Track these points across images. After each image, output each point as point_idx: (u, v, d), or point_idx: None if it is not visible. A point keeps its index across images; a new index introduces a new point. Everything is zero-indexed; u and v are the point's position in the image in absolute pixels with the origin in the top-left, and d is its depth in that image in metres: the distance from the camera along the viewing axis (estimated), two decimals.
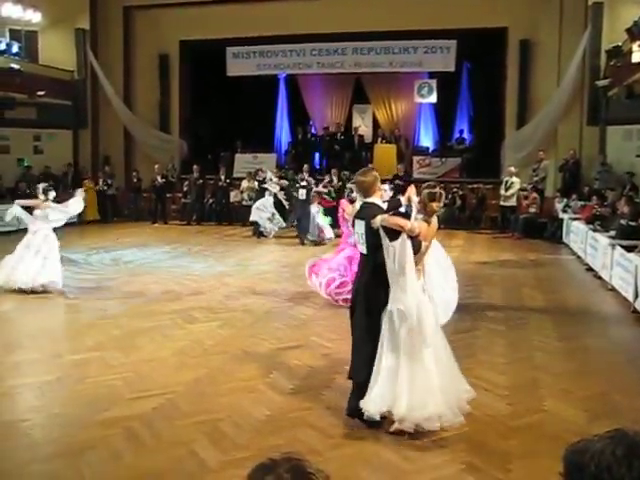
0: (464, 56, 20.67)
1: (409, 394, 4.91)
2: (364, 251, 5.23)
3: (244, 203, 19.36)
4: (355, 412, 5.18)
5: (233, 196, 19.95)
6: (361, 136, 23.05)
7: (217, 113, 21.98)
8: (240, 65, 22.21)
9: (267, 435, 5.13)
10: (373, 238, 5.03)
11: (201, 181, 20.22)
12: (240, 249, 15.23)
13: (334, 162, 21.10)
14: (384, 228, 4.90)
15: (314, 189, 16.91)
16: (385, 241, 4.91)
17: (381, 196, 5.50)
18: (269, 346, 7.47)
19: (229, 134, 22.13)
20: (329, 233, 15.84)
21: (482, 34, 19.33)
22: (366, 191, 5.26)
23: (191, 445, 4.93)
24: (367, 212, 5.12)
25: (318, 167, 21.85)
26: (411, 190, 5.38)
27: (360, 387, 5.16)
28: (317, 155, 22.93)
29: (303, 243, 15.91)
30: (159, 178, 20.01)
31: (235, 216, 19.72)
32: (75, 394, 6.01)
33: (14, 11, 20.22)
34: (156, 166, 20.14)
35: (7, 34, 20.82)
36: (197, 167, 20.16)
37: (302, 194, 16.64)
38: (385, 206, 5.30)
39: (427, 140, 23.26)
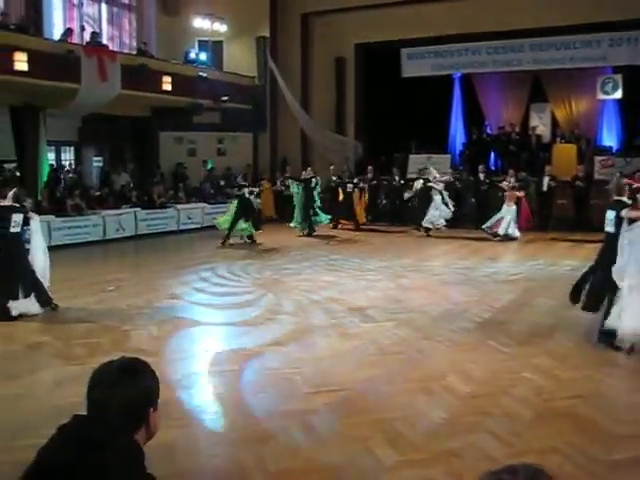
0: None
1: None
2: (612, 230, 7.51)
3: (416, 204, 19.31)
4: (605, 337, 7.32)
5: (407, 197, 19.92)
6: (538, 136, 22.22)
7: (391, 114, 22.03)
8: (415, 66, 22.18)
9: (443, 438, 5.07)
10: (619, 223, 7.35)
11: (375, 182, 20.43)
12: (414, 250, 15.21)
13: (510, 163, 20.52)
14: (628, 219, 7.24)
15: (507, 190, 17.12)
16: (624, 226, 7.22)
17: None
18: (444, 348, 7.40)
19: (403, 135, 22.12)
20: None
21: None
22: (619, 191, 7.63)
23: (367, 442, 4.98)
24: (619, 206, 7.45)
25: (493, 168, 21.33)
26: None
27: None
28: (492, 156, 22.41)
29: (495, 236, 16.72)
30: (334, 178, 20.43)
31: (408, 216, 19.72)
32: (256, 385, 6.29)
33: (203, 24, 21.62)
34: (331, 167, 20.57)
35: (196, 45, 22.26)
36: (371, 168, 20.42)
37: None
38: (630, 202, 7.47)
39: (610, 139, 21.91)
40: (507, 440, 5.01)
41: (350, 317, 8.77)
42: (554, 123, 22.73)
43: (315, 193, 18.12)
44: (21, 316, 8.83)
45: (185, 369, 6.71)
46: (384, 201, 20.41)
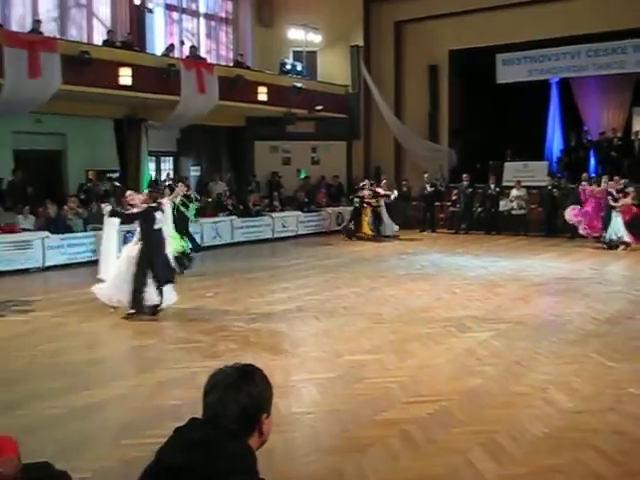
0: None
1: None
2: None
3: (513, 212, 19.03)
4: None
5: (502, 205, 19.59)
6: None
7: (486, 121, 21.70)
8: (510, 71, 21.76)
9: (545, 453, 4.92)
10: None
11: (470, 190, 20.14)
12: (510, 258, 14.90)
13: (611, 169, 19.79)
14: None
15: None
16: None
17: None
18: (545, 360, 7.19)
19: (498, 142, 21.74)
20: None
21: None
22: None
23: (467, 454, 4.89)
24: None
25: (594, 175, 20.61)
26: None
27: None
28: (592, 162, 21.69)
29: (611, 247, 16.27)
30: (428, 187, 20.31)
31: (504, 225, 19.39)
32: (354, 393, 6.28)
33: (298, 34, 21.94)
34: (425, 175, 20.45)
35: (290, 56, 22.60)
36: (466, 176, 20.13)
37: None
38: None
39: None
40: (615, 458, 4.81)
41: (447, 327, 8.66)
42: None
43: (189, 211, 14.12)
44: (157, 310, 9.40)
45: (282, 376, 6.76)
46: (479, 209, 20.10)
